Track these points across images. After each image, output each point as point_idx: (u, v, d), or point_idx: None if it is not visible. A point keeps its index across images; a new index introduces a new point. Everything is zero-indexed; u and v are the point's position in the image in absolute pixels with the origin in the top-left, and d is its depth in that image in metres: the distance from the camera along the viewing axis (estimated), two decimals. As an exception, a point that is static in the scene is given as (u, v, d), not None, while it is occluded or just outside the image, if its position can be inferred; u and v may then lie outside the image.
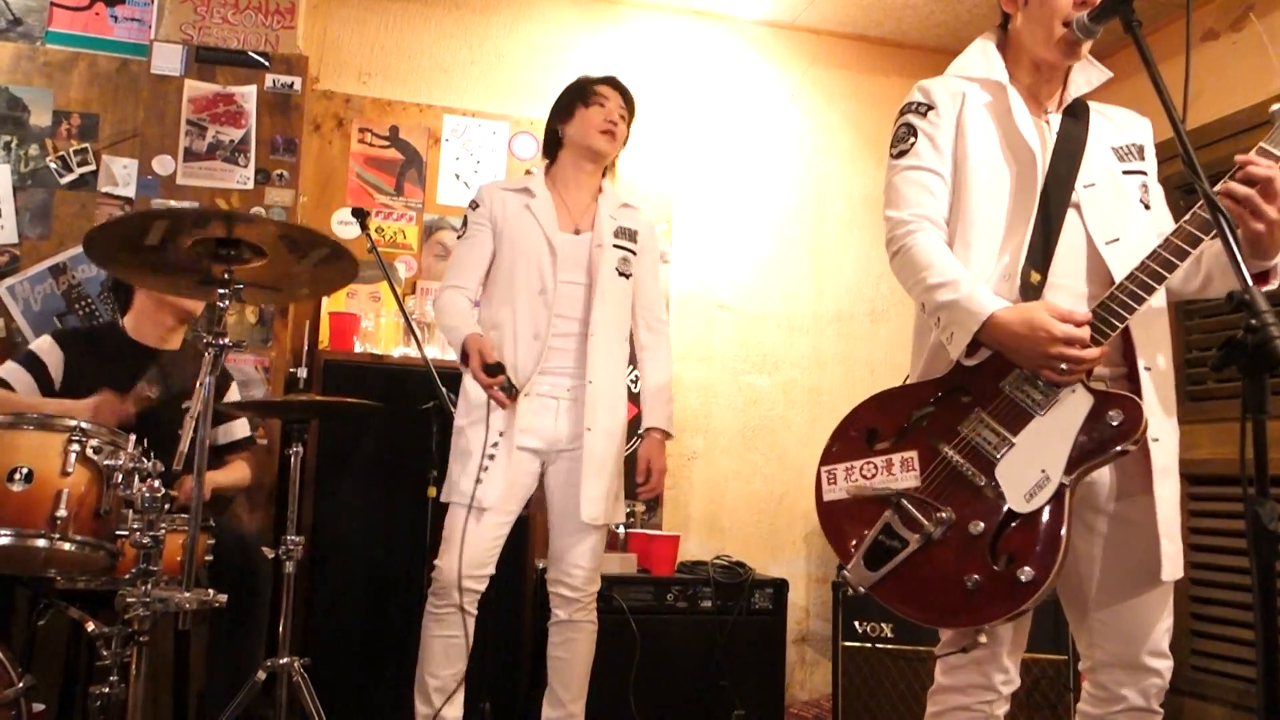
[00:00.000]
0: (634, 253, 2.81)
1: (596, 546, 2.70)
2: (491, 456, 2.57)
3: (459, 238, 2.81)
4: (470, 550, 2.54)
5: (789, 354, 4.52)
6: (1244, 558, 1.32)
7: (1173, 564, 1.77)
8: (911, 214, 1.87)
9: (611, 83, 2.84)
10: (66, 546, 2.16)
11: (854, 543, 1.77)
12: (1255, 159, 1.69)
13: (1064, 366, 1.66)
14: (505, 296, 2.70)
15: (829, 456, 1.84)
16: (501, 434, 2.59)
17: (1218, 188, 1.67)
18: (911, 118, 1.94)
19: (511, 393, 2.56)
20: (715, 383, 4.41)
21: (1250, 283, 1.39)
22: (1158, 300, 1.80)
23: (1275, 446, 1.33)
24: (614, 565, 3.46)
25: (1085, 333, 1.66)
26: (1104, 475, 1.80)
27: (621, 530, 3.64)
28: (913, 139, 1.91)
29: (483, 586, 2.61)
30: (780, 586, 3.64)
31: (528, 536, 3.55)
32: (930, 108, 1.92)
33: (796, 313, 4.55)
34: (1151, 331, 1.81)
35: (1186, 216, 1.70)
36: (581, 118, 2.78)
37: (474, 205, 2.79)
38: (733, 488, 4.37)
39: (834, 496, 1.81)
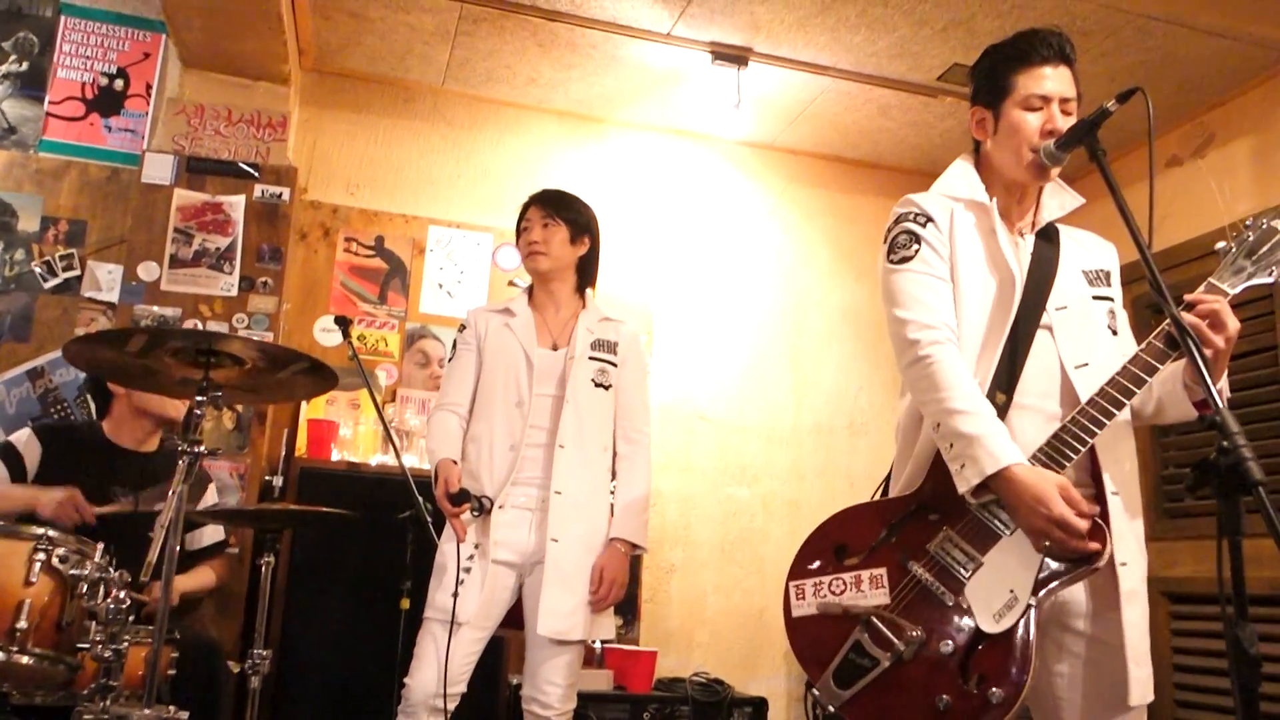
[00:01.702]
0: (613, 364, 2.81)
1: (572, 663, 2.62)
2: (468, 570, 2.53)
3: (449, 360, 2.85)
4: (442, 668, 2.47)
5: (769, 466, 4.51)
6: (1227, 677, 1.31)
7: (1141, 688, 1.75)
8: (937, 320, 1.84)
9: (533, 201, 2.86)
10: (25, 660, 2.08)
11: (823, 660, 1.75)
12: (1203, 296, 1.74)
13: (1047, 544, 1.67)
14: (484, 411, 2.71)
15: (798, 571, 1.83)
16: (477, 547, 2.56)
17: (1164, 324, 1.72)
18: (913, 226, 1.93)
19: (484, 509, 2.55)
20: (695, 494, 4.39)
21: (1220, 404, 1.41)
22: (1123, 423, 1.82)
23: (1253, 565, 1.33)
24: (589, 682, 3.37)
25: (1084, 525, 1.65)
26: (1077, 594, 1.80)
27: (598, 645, 3.56)
28: (916, 246, 1.90)
29: (453, 705, 2.53)
30: (760, 706, 3.55)
31: (502, 652, 3.46)
32: (929, 219, 1.93)
33: (776, 425, 4.56)
34: (1117, 453, 1.82)
35: (1143, 345, 1.74)
36: (520, 248, 2.86)
37: (461, 328, 2.84)
38: (712, 602, 4.30)
39: (802, 612, 1.81)
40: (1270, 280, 1.76)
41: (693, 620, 4.25)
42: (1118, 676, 1.74)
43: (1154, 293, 1.57)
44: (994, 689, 1.63)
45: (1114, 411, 1.71)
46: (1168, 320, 1.70)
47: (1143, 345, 1.74)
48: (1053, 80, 1.90)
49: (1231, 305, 1.74)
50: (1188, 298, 1.73)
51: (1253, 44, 3.63)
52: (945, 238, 1.92)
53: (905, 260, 1.90)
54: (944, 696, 1.66)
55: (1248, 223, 1.79)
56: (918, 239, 1.91)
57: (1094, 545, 1.66)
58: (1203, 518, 3.81)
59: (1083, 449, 1.71)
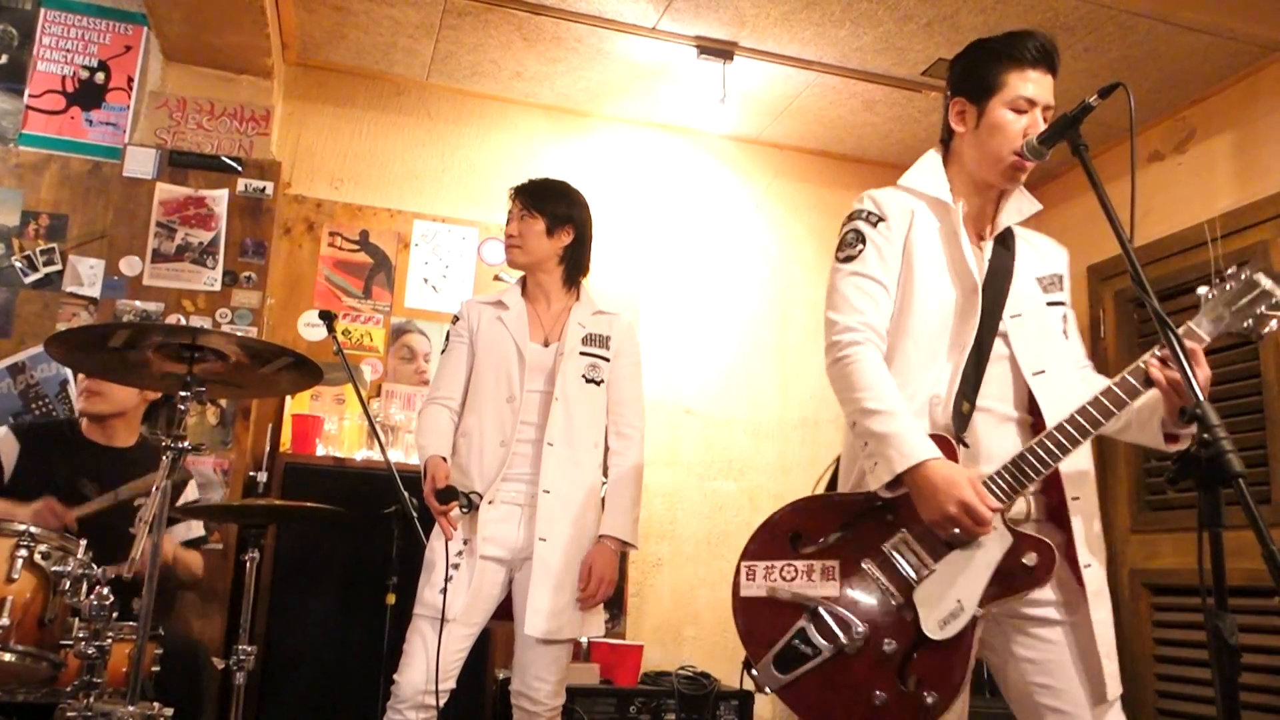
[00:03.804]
0: (605, 359, 2.78)
1: (561, 659, 2.62)
2: (456, 566, 2.52)
3: (441, 352, 2.82)
4: (431, 665, 2.47)
5: (755, 460, 4.52)
6: (1208, 667, 1.33)
7: (1115, 682, 1.79)
8: (859, 321, 1.87)
9: (515, 192, 2.84)
10: (7, 657, 2.07)
11: (764, 643, 1.77)
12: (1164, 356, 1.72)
13: (956, 531, 1.70)
14: (476, 405, 2.70)
15: (751, 552, 1.83)
16: (466, 542, 2.55)
17: (1148, 357, 1.73)
18: (862, 225, 1.95)
19: (473, 506, 2.54)
20: (681, 488, 4.39)
21: (1201, 398, 1.42)
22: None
23: (1233, 556, 1.34)
24: (576, 676, 3.37)
25: (989, 515, 1.69)
26: (1048, 591, 1.81)
27: (584, 640, 3.56)
28: (861, 246, 1.93)
29: (442, 702, 2.52)
30: (746, 699, 3.56)
31: (488, 646, 3.46)
32: (881, 219, 1.94)
33: (762, 419, 4.57)
34: (1076, 460, 1.82)
35: (1117, 378, 1.75)
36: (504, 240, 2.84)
37: (454, 320, 2.82)
38: (698, 595, 4.31)
39: (750, 593, 1.81)
40: (1245, 329, 1.77)
41: (680, 614, 4.26)
42: (1094, 672, 1.78)
43: (1136, 287, 1.58)
44: (928, 692, 1.68)
45: (1080, 439, 1.73)
46: (1143, 359, 1.74)
47: (1117, 379, 1.75)
48: (1040, 86, 1.90)
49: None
50: (1150, 361, 1.73)
51: (1234, 40, 3.66)
52: (900, 238, 1.93)
53: (848, 260, 1.94)
54: (880, 693, 1.70)
55: (1229, 271, 1.80)
56: (864, 239, 1.93)
57: (986, 531, 1.70)
58: (1184, 510, 3.84)
59: (1045, 471, 1.74)
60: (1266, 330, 1.77)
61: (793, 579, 1.79)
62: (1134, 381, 1.73)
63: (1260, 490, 3.52)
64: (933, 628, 1.71)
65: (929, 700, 1.67)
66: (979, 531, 1.69)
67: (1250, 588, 3.12)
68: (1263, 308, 1.75)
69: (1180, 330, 1.76)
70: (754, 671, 1.78)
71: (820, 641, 1.74)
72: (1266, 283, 1.75)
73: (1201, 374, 1.69)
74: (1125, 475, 4.12)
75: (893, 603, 1.74)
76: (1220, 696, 1.29)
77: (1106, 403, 1.73)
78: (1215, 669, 1.30)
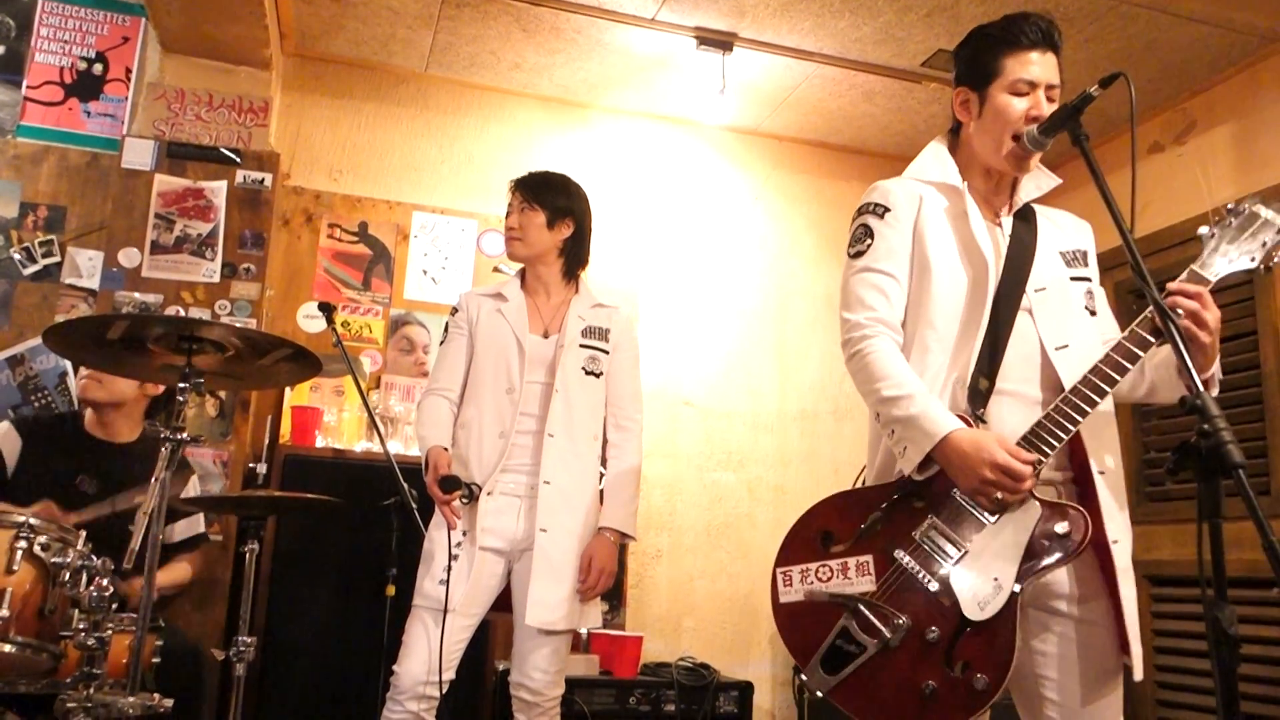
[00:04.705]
0: (604, 351, 2.78)
1: (560, 649, 2.63)
2: (455, 557, 2.52)
3: (440, 343, 2.82)
4: (432, 656, 2.47)
5: (754, 451, 4.52)
6: (1207, 658, 1.33)
7: (1139, 664, 1.78)
8: (868, 317, 1.88)
9: (515, 185, 2.84)
10: (6, 648, 2.07)
11: (810, 647, 1.77)
12: (1184, 286, 1.74)
13: (999, 495, 1.69)
14: (475, 397, 2.70)
15: (785, 558, 1.84)
16: (465, 534, 2.55)
17: (1148, 311, 1.73)
18: (869, 219, 1.96)
19: (473, 496, 2.55)
20: (680, 480, 4.40)
21: (1201, 388, 1.42)
22: (1106, 404, 1.83)
23: (1233, 547, 1.34)
24: (576, 667, 3.38)
25: (1027, 470, 1.68)
26: (1061, 578, 1.81)
27: (584, 631, 3.57)
28: (869, 240, 1.93)
29: (442, 692, 2.53)
30: (745, 690, 3.57)
31: (488, 637, 3.47)
32: (887, 209, 1.94)
33: (761, 410, 4.57)
34: (1102, 435, 1.83)
35: (1126, 333, 1.75)
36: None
37: (454, 311, 2.82)
38: (698, 587, 4.32)
39: (790, 599, 1.81)
40: (1251, 265, 1.77)
41: (679, 606, 4.27)
42: (1108, 654, 1.78)
43: (1137, 278, 1.58)
44: (978, 675, 1.66)
45: (1097, 400, 1.72)
46: (1150, 308, 1.71)
47: (1126, 333, 1.75)
48: (1040, 66, 1.90)
49: (1213, 291, 1.75)
50: (1170, 286, 1.73)
51: (1234, 30, 3.65)
52: (908, 226, 1.93)
53: (858, 255, 1.95)
54: (930, 683, 1.68)
55: (1229, 207, 1.80)
56: (871, 233, 1.94)
57: (1029, 485, 1.69)
58: (1183, 501, 3.85)
59: (1066, 436, 1.72)
60: (1274, 262, 1.76)
61: (829, 579, 1.78)
62: (1142, 333, 1.73)
63: (1260, 481, 3.52)
64: (972, 609, 1.69)
65: (979, 684, 1.66)
66: (1020, 489, 1.68)
67: (1250, 579, 3.12)
68: (1267, 237, 1.74)
69: (1184, 274, 1.77)
70: (804, 677, 1.77)
71: (864, 638, 1.72)
72: (1267, 212, 1.75)
73: (1211, 316, 1.71)
74: (1125, 467, 4.11)
75: (931, 589, 1.72)
76: (1220, 687, 1.29)
77: (1118, 357, 1.73)
78: (1215, 659, 1.30)
